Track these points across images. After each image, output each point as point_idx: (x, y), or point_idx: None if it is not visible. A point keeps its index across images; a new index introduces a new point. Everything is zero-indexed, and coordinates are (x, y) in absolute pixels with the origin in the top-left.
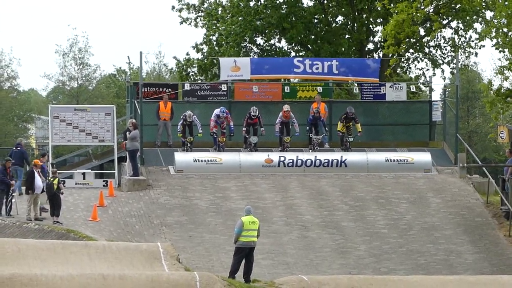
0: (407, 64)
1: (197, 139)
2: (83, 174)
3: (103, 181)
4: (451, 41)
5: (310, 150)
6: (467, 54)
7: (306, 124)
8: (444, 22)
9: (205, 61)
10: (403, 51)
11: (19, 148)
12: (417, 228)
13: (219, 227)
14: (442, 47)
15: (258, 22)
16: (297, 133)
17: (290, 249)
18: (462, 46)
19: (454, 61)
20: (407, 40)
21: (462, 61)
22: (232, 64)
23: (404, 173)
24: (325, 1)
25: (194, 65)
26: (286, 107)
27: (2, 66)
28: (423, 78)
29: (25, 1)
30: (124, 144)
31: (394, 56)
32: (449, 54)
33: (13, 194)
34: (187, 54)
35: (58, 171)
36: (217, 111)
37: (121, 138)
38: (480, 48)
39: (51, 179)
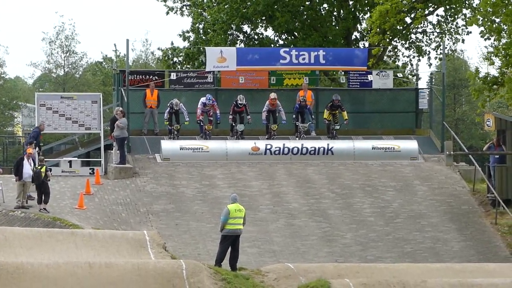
0: (394, 52)
1: (183, 127)
2: (70, 162)
3: (90, 169)
4: (437, 27)
5: (297, 138)
6: (454, 40)
7: (293, 112)
8: (431, 9)
9: (192, 49)
10: (388, 40)
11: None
12: (403, 216)
13: (206, 215)
14: (428, 33)
15: (244, 10)
16: (284, 120)
17: (276, 237)
18: (449, 31)
19: (441, 48)
20: (392, 28)
21: (449, 47)
22: (218, 54)
23: (391, 161)
24: None
25: (180, 54)
26: (273, 95)
27: None
28: (410, 66)
29: None
30: (112, 135)
31: (380, 45)
32: (435, 39)
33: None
34: (172, 43)
35: (45, 159)
36: (203, 99)
37: (107, 126)
38: (467, 34)
39: (39, 167)
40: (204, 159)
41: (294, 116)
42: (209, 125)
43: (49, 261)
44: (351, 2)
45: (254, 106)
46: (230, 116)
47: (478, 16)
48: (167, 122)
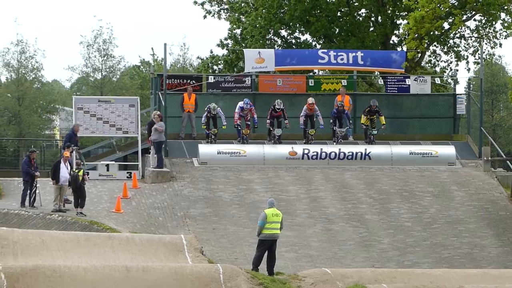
0: (433, 57)
1: (221, 131)
2: (107, 165)
3: (127, 172)
4: (475, 32)
5: (334, 143)
6: (492, 45)
7: (330, 117)
8: (469, 14)
9: (231, 56)
10: (425, 45)
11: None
12: (441, 221)
13: (243, 219)
14: (467, 37)
15: (282, 15)
16: (321, 125)
17: (313, 242)
18: (487, 36)
19: (479, 52)
20: (429, 34)
21: (487, 52)
22: (256, 55)
23: (428, 167)
24: None
25: (220, 62)
26: (310, 100)
27: (27, 57)
28: (448, 71)
29: None
30: (150, 139)
31: (417, 50)
32: (473, 44)
33: (37, 185)
34: (211, 52)
35: (82, 163)
36: (241, 103)
37: (145, 129)
38: (505, 38)
39: (76, 171)
40: (241, 163)
41: (331, 121)
42: (246, 130)
43: (87, 264)
44: (389, 7)
45: (291, 110)
46: (268, 121)
47: None
48: (205, 126)
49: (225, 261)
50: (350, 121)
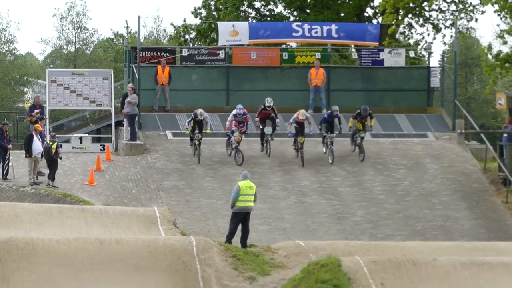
0: (408, 29)
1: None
2: (80, 138)
3: (100, 145)
4: (452, 4)
5: (324, 149)
6: (468, 18)
7: (320, 122)
8: None
9: (204, 25)
10: (401, 18)
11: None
12: (414, 194)
13: (216, 192)
14: (444, 10)
15: None
16: (311, 131)
17: (287, 214)
18: (464, 8)
19: (458, 25)
20: (406, 6)
21: (463, 25)
22: (230, 29)
23: (402, 139)
24: None
25: (192, 31)
26: (301, 115)
27: (0, 30)
28: (424, 42)
29: None
30: (123, 112)
31: (395, 24)
32: (449, 17)
33: (10, 158)
34: (184, 20)
35: (56, 135)
36: (234, 111)
37: (118, 102)
38: (482, 13)
39: (50, 143)
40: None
41: (320, 126)
42: (239, 137)
43: (60, 237)
44: None
45: (265, 83)
46: (256, 119)
47: None
48: (188, 131)
49: (199, 233)
50: (341, 125)
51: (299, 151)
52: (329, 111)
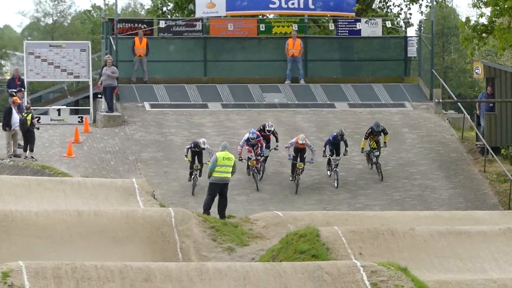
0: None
1: None
2: (58, 110)
3: (78, 117)
4: None
5: (328, 172)
6: None
7: (325, 144)
8: None
9: None
10: None
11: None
12: (392, 163)
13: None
14: None
15: None
16: (312, 160)
17: (265, 185)
18: None
19: None
20: None
21: None
22: (207, 0)
23: (380, 109)
24: None
25: (169, 3)
26: (301, 139)
27: None
28: (401, 14)
29: None
30: (100, 84)
31: None
32: None
33: None
34: None
35: (32, 107)
36: (246, 135)
37: (96, 74)
38: None
39: (25, 115)
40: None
41: (325, 149)
42: (253, 161)
43: (38, 209)
44: None
45: (243, 54)
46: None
47: None
48: (187, 159)
49: (177, 204)
50: (347, 147)
51: (296, 177)
52: (334, 134)
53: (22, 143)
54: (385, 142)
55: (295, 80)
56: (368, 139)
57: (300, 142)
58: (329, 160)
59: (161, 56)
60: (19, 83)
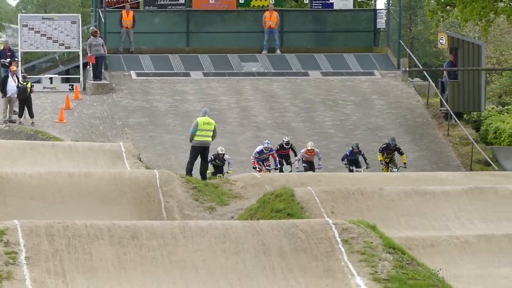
0: None
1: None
2: (50, 79)
3: (69, 85)
4: None
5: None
6: None
7: (342, 159)
8: None
9: None
10: None
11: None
12: (362, 128)
13: (178, 128)
14: None
15: None
16: (320, 166)
17: (244, 148)
18: None
19: None
20: None
21: None
22: None
23: (350, 77)
24: None
25: None
26: (310, 145)
27: None
28: None
29: None
30: (93, 57)
31: None
32: None
33: None
34: None
35: (28, 76)
36: (259, 148)
37: (85, 45)
38: None
39: (24, 83)
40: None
41: (345, 163)
42: (265, 170)
43: (32, 171)
44: None
45: (223, 26)
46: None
47: None
48: (209, 173)
49: (161, 167)
50: (367, 161)
51: None
52: (350, 148)
53: (17, 109)
54: (404, 163)
55: (271, 50)
56: (384, 154)
57: (309, 148)
58: (351, 172)
59: (147, 28)
60: (9, 53)
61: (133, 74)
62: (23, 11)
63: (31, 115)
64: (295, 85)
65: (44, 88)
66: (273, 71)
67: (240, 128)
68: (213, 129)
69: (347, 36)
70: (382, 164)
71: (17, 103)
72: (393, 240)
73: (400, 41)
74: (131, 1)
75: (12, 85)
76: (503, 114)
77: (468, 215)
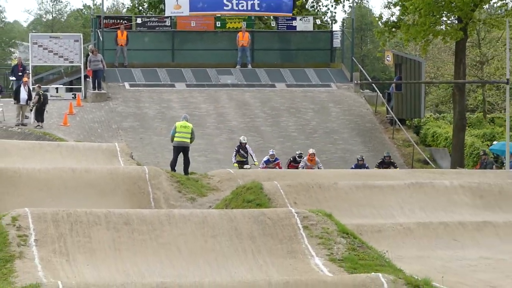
0: (315, 2)
1: None
2: (56, 88)
3: (72, 94)
4: None
5: None
6: None
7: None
8: None
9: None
10: None
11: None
12: (320, 131)
13: (164, 131)
14: None
15: None
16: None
17: (220, 148)
18: None
19: None
20: None
21: None
22: (174, 3)
23: (311, 88)
24: None
25: (145, 3)
26: (311, 150)
27: None
28: (328, 13)
29: None
30: (90, 70)
31: None
32: None
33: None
34: None
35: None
36: (265, 158)
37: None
38: None
39: (41, 92)
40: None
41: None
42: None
43: (40, 167)
44: None
45: (205, 45)
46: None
47: None
48: (236, 164)
49: (150, 163)
50: None
51: None
52: (355, 163)
53: (28, 114)
54: None
55: (244, 65)
56: (380, 168)
57: (311, 152)
58: None
59: (138, 46)
60: (21, 68)
61: (126, 85)
62: (33, 31)
63: (42, 119)
64: (263, 95)
65: (51, 96)
66: (245, 83)
67: (217, 131)
68: (190, 131)
69: (307, 54)
70: None
71: (28, 109)
72: (346, 226)
73: (353, 58)
74: (125, 23)
75: (23, 94)
76: (439, 121)
77: (410, 206)
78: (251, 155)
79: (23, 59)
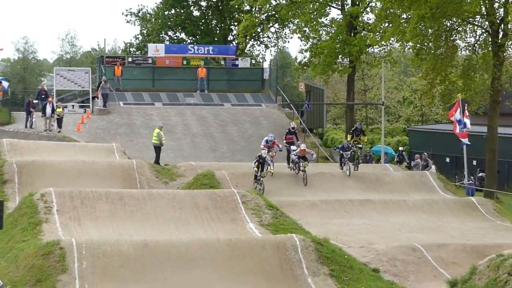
0: (252, 47)
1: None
2: (73, 105)
3: (84, 109)
4: (276, 34)
5: (344, 170)
6: (283, 41)
7: (337, 147)
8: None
9: (140, 44)
10: (248, 41)
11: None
12: (254, 137)
13: (147, 135)
14: (270, 37)
15: (169, 23)
16: (314, 158)
17: (185, 147)
18: (280, 37)
19: (279, 45)
20: (251, 35)
21: (281, 45)
22: (154, 47)
23: (248, 107)
24: (205, 11)
25: (133, 48)
26: (303, 146)
27: (29, 46)
28: (260, 55)
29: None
30: (98, 93)
31: (244, 44)
32: (274, 41)
33: (33, 116)
34: (130, 41)
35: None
36: (266, 138)
37: (94, 86)
38: (291, 39)
39: (60, 109)
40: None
41: (338, 149)
42: (273, 153)
43: (61, 159)
44: (227, 19)
45: (175, 76)
46: (284, 141)
47: (298, 27)
48: (256, 169)
49: (137, 158)
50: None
51: (303, 173)
52: (343, 144)
53: (53, 124)
54: (365, 142)
55: (202, 90)
56: (353, 135)
57: (302, 148)
58: (341, 157)
59: (129, 77)
60: (44, 92)
61: (121, 103)
62: (57, 65)
63: (60, 126)
64: (216, 111)
65: (69, 111)
66: (203, 103)
67: (183, 136)
68: (156, 135)
69: (246, 83)
70: (350, 145)
71: (53, 119)
72: (272, 202)
73: (277, 86)
74: (120, 60)
75: (49, 110)
76: (336, 130)
77: (315, 188)
78: (269, 164)
79: (49, 85)
